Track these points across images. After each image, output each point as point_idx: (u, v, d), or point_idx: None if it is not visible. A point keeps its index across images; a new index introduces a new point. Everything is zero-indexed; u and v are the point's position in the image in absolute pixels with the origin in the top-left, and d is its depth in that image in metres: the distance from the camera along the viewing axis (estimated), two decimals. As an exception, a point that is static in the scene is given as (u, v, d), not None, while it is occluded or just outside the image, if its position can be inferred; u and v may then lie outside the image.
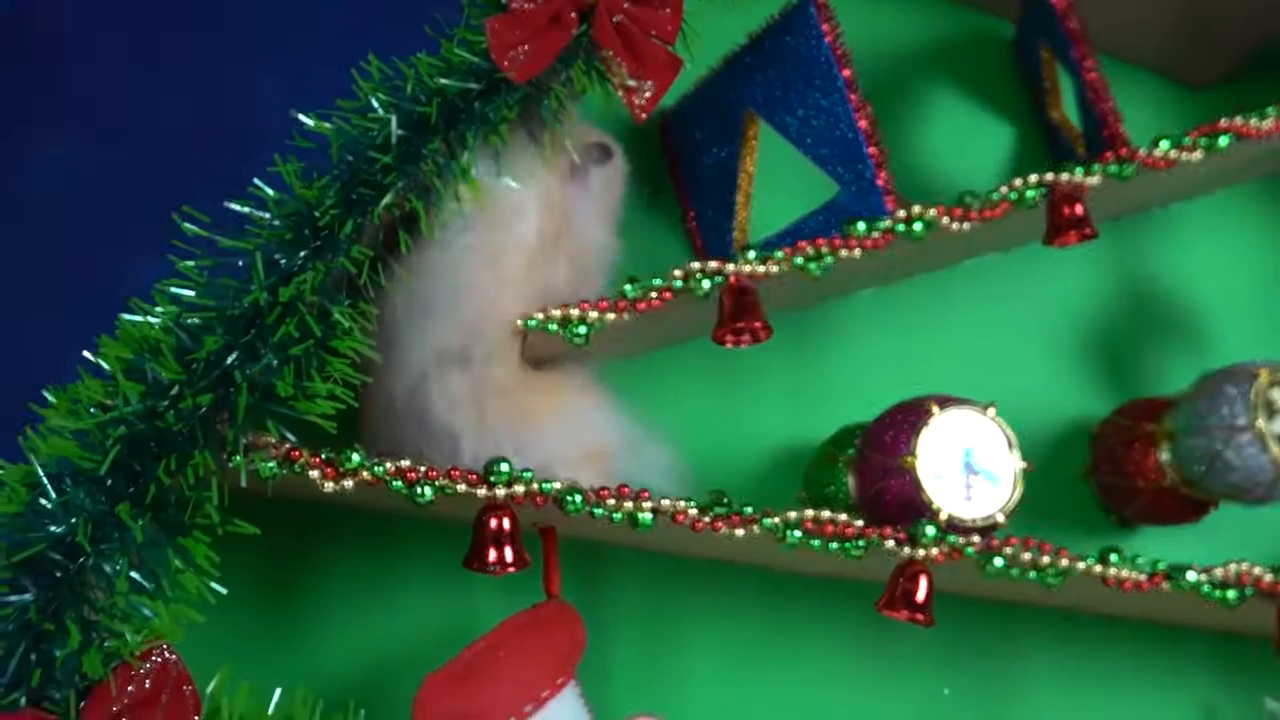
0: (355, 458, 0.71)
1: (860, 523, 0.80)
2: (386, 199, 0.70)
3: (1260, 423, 0.90)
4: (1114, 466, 1.02)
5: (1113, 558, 0.84)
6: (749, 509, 0.78)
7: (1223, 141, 0.94)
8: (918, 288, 1.08)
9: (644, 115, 0.78)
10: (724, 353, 0.94)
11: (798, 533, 0.77)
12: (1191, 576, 0.85)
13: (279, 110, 0.73)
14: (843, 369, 1.04)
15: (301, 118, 0.71)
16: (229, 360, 0.65)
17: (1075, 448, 1.08)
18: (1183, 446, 0.96)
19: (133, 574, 0.62)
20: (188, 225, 0.69)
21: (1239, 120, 0.95)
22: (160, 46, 1.15)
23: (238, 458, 0.68)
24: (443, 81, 0.72)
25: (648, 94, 0.78)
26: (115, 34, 1.15)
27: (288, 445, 0.69)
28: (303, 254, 0.68)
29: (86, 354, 0.65)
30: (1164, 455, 0.99)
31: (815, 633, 0.97)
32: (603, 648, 0.91)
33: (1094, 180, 0.90)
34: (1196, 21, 1.15)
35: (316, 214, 0.67)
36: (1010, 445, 0.85)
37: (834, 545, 0.79)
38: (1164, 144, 0.93)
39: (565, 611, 0.84)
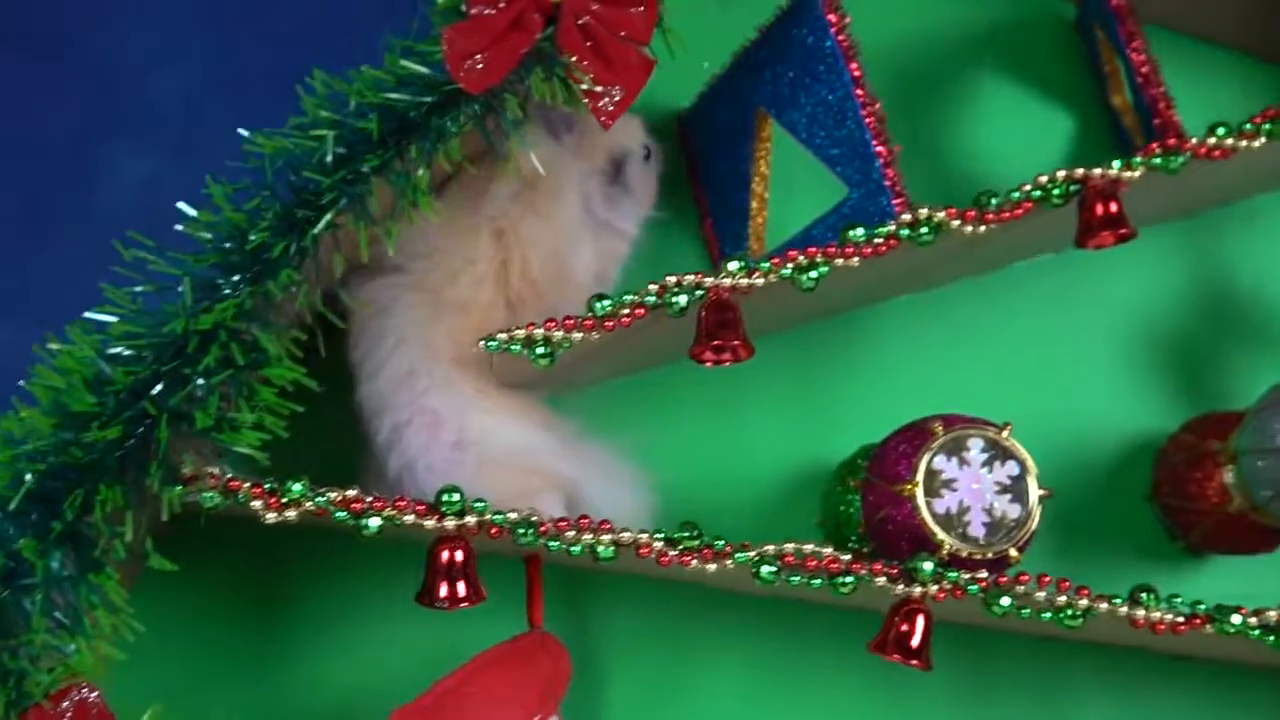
0: (297, 488, 0.68)
1: (847, 557, 0.73)
2: (326, 219, 0.67)
3: (1331, 444, 0.80)
4: (1175, 488, 0.92)
5: (1145, 596, 0.75)
6: (720, 542, 0.72)
7: (1290, 127, 0.83)
8: (962, 292, 1.00)
9: (610, 122, 0.73)
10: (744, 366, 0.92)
11: (771, 568, 0.72)
12: (1237, 619, 0.76)
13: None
14: (874, 383, 0.97)
15: (242, 132, 0.69)
16: (154, 391, 0.63)
17: (1141, 467, 0.98)
18: (1247, 468, 0.86)
19: (56, 613, 0.61)
20: (132, 250, 0.68)
21: (1312, 101, 0.84)
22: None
23: (178, 488, 0.66)
24: (392, 96, 0.69)
25: (616, 98, 0.74)
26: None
27: (228, 476, 0.68)
28: (235, 278, 0.66)
29: (22, 383, 0.65)
30: (1229, 477, 0.89)
31: (832, 665, 0.90)
32: (596, 682, 0.87)
33: (1133, 175, 0.81)
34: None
35: (252, 236, 0.65)
36: (1027, 470, 0.78)
37: (817, 581, 0.73)
38: (1220, 130, 0.83)
39: (547, 643, 0.81)
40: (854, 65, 0.83)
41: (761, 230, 0.94)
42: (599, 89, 0.73)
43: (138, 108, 1.20)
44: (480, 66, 0.71)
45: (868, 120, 0.82)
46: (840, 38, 0.83)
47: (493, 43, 0.72)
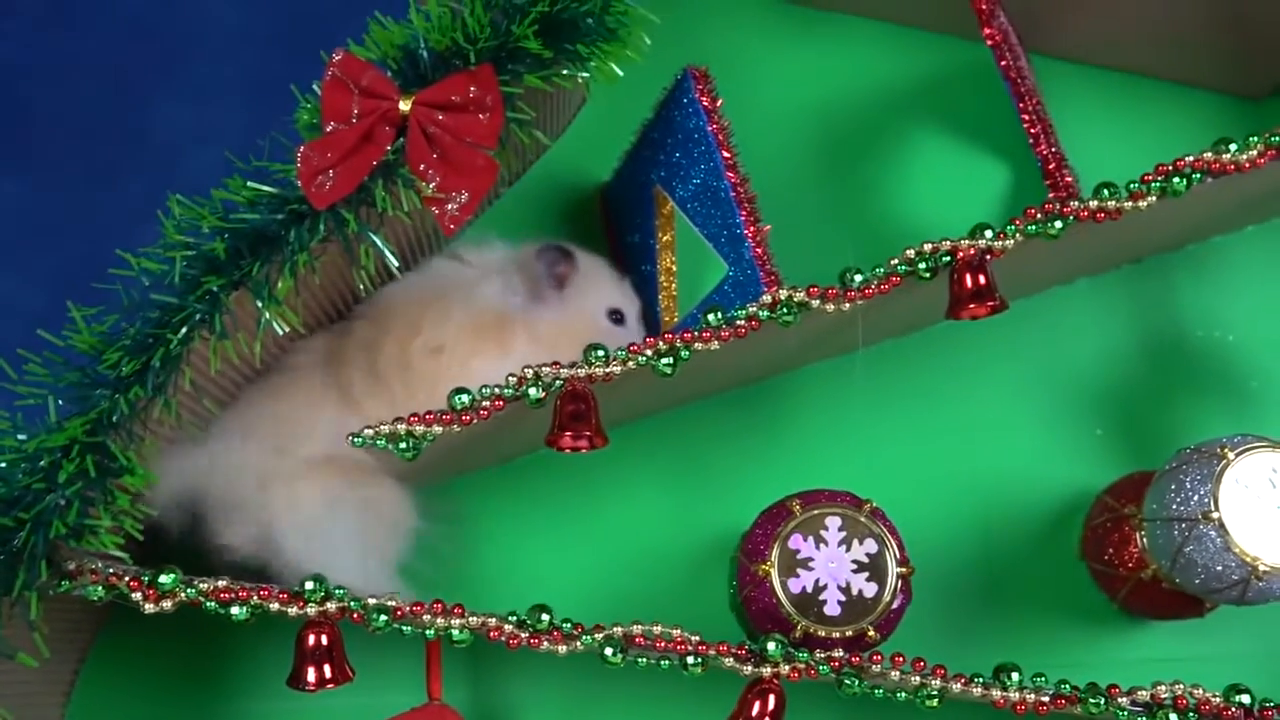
0: (167, 580, 0.74)
1: (695, 638, 0.75)
2: (179, 336, 0.73)
3: (1218, 514, 0.77)
4: (1097, 551, 0.91)
5: (1005, 676, 0.75)
6: (568, 624, 0.75)
7: (1180, 185, 0.81)
8: (885, 353, 1.00)
9: (454, 227, 0.77)
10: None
11: (614, 649, 0.74)
12: (1101, 701, 0.74)
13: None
14: (790, 453, 0.98)
15: (119, 254, 0.75)
16: (24, 501, 0.70)
17: (1078, 526, 0.96)
18: (1150, 535, 0.83)
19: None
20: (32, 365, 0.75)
21: (1209, 155, 0.82)
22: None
23: (66, 583, 0.73)
24: (245, 216, 0.75)
25: (462, 201, 0.78)
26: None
27: (109, 570, 0.74)
28: (99, 393, 0.72)
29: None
30: (1142, 542, 0.86)
31: None
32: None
33: (1007, 244, 0.80)
34: (1241, 30, 1.00)
35: (106, 355, 0.72)
36: (886, 548, 0.78)
37: (665, 663, 0.75)
38: (1105, 192, 0.81)
39: (445, 714, 0.85)
40: (725, 149, 0.84)
41: (673, 301, 0.96)
42: (443, 195, 0.77)
43: (177, 187, 1.29)
44: (331, 181, 0.76)
45: (738, 202, 0.84)
46: (712, 121, 0.85)
47: (345, 156, 0.77)
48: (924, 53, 1.06)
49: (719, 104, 0.85)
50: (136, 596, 0.74)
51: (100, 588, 0.74)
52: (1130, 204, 0.82)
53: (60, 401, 0.73)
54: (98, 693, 0.91)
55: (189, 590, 0.74)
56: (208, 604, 0.75)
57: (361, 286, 0.78)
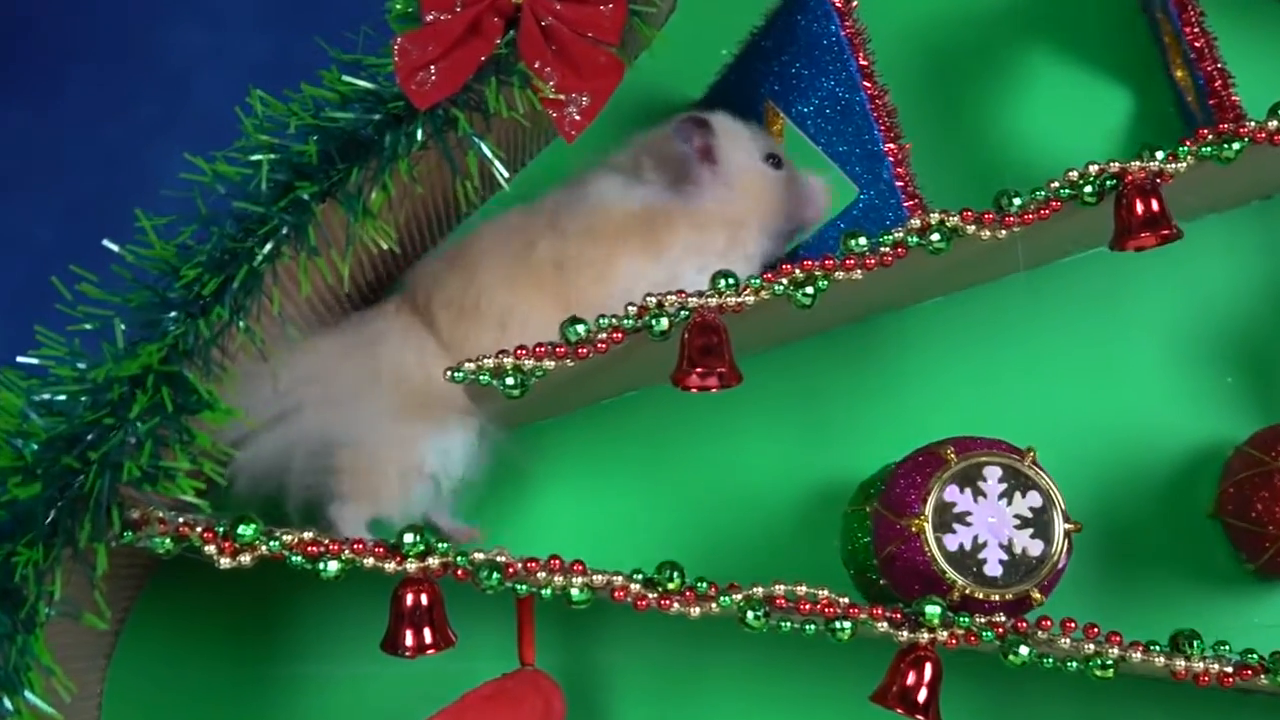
0: (247, 532, 0.65)
1: (845, 600, 0.67)
2: (265, 251, 0.63)
3: None
4: (1240, 508, 0.83)
5: (1187, 645, 0.67)
6: (704, 584, 0.66)
7: (1368, 104, 0.73)
8: (1001, 290, 0.92)
9: (575, 133, 0.68)
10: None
11: (758, 613, 0.66)
12: (1293, 671, 0.67)
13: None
14: (901, 395, 0.90)
15: (188, 157, 0.65)
16: (88, 439, 0.60)
17: (1206, 481, 0.89)
18: (1316, 491, 0.76)
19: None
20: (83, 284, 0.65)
21: (1396, 74, 0.74)
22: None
23: (129, 534, 0.64)
24: (337, 115, 0.65)
25: (584, 104, 0.68)
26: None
27: (178, 520, 0.65)
28: (173, 315, 0.62)
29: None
30: (1299, 499, 0.80)
31: (849, 701, 0.81)
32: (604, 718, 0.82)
33: (1179, 167, 0.73)
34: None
35: (184, 272, 0.62)
36: (1052, 502, 0.70)
37: (811, 628, 0.67)
38: (1284, 112, 0.74)
39: (539, 681, 0.77)
40: (861, 55, 0.76)
41: (779, 231, 0.87)
42: (563, 97, 0.67)
43: (189, 112, 1.19)
44: (433, 79, 0.66)
45: (876, 115, 0.75)
46: (845, 25, 0.76)
47: (448, 50, 0.67)
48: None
49: (853, 5, 0.76)
50: (211, 550, 0.65)
51: (169, 540, 0.65)
52: (1312, 125, 0.74)
53: (123, 326, 0.64)
54: (140, 657, 0.82)
55: (271, 543, 0.65)
56: (293, 558, 0.65)
57: (463, 201, 0.68)
